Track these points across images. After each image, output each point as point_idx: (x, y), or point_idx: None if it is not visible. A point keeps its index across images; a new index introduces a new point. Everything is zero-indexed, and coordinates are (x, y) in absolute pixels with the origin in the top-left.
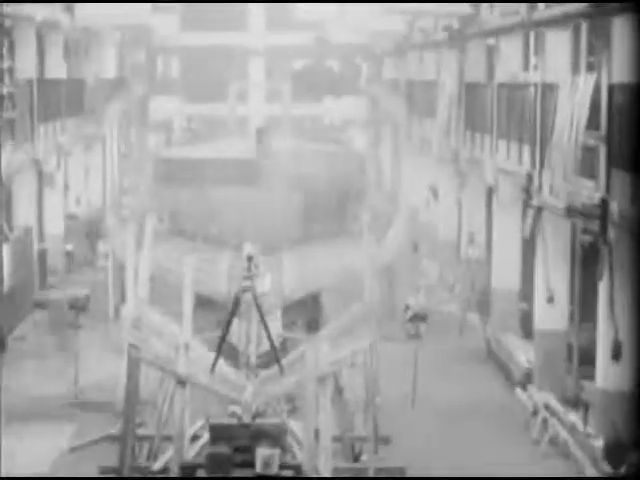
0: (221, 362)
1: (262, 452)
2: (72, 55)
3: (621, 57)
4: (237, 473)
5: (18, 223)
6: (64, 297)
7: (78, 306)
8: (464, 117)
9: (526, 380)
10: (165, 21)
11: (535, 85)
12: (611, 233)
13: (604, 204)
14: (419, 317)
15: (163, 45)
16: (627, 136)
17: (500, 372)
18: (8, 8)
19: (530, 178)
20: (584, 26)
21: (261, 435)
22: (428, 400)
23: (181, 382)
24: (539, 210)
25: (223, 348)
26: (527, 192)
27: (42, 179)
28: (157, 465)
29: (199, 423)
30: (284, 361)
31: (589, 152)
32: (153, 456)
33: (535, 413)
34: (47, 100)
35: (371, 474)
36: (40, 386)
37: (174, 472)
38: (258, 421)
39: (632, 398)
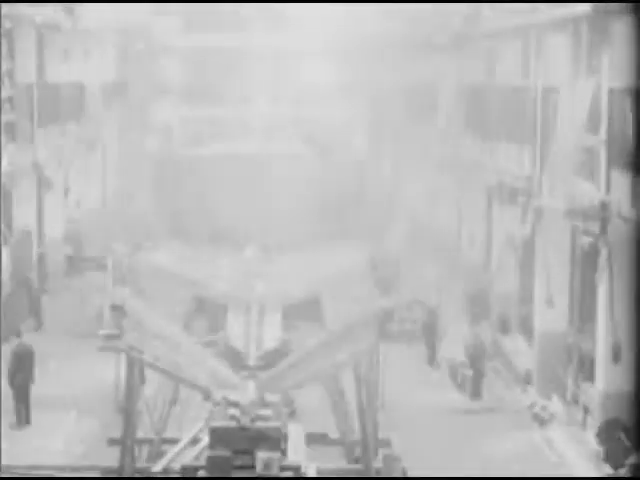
0: (220, 364)
1: (262, 455)
2: (72, 57)
3: (621, 60)
4: (237, 475)
5: (18, 226)
6: None
7: None
8: (464, 118)
9: (526, 382)
10: (166, 23)
11: (535, 87)
12: (611, 234)
13: (604, 206)
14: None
15: (164, 47)
16: (627, 138)
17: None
18: (7, 9)
19: (530, 180)
20: (584, 29)
21: (260, 438)
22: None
23: (180, 384)
24: (539, 212)
25: (223, 350)
26: (527, 194)
27: (42, 182)
28: (157, 467)
29: (198, 426)
30: (284, 363)
31: (589, 154)
32: (153, 458)
33: (536, 415)
34: (47, 103)
35: (371, 474)
36: (39, 387)
37: (174, 474)
38: (257, 424)
39: (631, 399)
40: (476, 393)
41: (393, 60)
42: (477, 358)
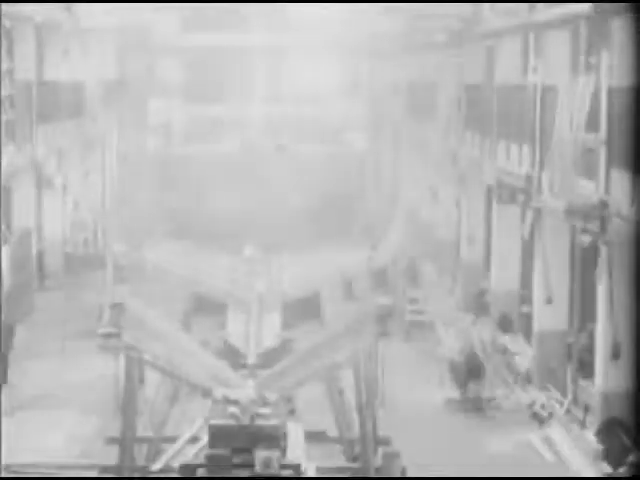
0: (220, 363)
1: (261, 453)
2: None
3: (620, 58)
4: (236, 474)
5: (17, 225)
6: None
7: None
8: (464, 118)
9: (526, 381)
10: (165, 22)
11: (535, 86)
12: (610, 234)
13: (603, 205)
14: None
15: (163, 46)
16: (627, 137)
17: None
18: (7, 8)
19: (530, 179)
20: (584, 27)
21: (260, 436)
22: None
23: (180, 383)
24: (538, 211)
25: (222, 348)
26: (526, 193)
27: (41, 181)
28: (156, 465)
29: (198, 424)
30: (284, 361)
31: (589, 153)
32: (152, 457)
33: (535, 414)
34: (47, 102)
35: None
36: (38, 387)
37: (173, 472)
38: (257, 422)
39: (631, 398)
40: (462, 387)
41: (393, 59)
42: (473, 356)
